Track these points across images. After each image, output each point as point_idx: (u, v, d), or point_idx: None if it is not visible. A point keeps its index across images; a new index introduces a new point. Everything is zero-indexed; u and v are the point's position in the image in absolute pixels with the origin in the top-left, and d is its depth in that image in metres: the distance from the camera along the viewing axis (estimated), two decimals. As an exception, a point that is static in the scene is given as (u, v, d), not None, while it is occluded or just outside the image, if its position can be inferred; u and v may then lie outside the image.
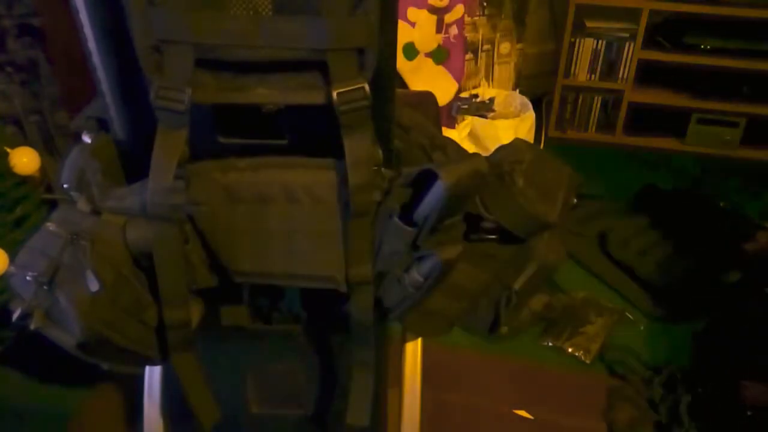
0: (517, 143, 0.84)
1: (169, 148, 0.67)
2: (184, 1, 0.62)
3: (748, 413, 1.46)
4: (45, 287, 0.68)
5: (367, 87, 0.65)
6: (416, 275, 0.75)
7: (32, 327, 0.69)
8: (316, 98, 0.66)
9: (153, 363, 0.82)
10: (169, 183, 0.67)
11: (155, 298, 0.75)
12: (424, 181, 0.71)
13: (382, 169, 0.74)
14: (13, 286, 0.71)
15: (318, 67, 0.65)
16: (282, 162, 0.74)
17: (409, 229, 0.73)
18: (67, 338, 0.70)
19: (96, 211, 0.73)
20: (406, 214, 0.73)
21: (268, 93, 0.67)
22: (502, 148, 0.84)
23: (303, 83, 0.66)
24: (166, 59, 0.63)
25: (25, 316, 0.69)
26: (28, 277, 0.68)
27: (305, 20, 0.63)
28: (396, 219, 0.73)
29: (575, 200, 0.81)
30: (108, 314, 0.70)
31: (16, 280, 0.71)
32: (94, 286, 0.68)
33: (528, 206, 0.76)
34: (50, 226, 0.72)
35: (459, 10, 2.35)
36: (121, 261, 0.71)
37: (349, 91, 0.65)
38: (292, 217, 0.75)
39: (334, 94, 0.65)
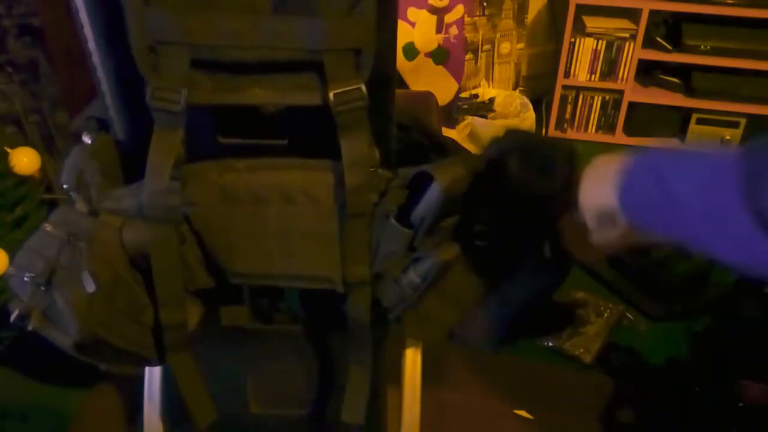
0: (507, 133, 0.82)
1: (165, 148, 0.67)
2: (180, 2, 0.62)
3: (740, 404, 1.46)
4: (42, 288, 0.68)
5: (363, 87, 0.65)
6: (413, 276, 0.75)
7: (30, 327, 0.69)
8: (313, 99, 0.66)
9: (151, 364, 0.82)
10: (165, 184, 0.67)
11: (152, 298, 0.75)
12: (421, 182, 0.71)
13: (379, 170, 0.74)
14: (12, 286, 0.71)
15: (315, 67, 0.65)
16: (279, 163, 0.74)
17: (406, 230, 0.73)
18: (64, 339, 0.70)
19: (94, 212, 0.73)
20: (403, 215, 0.73)
21: (264, 94, 0.67)
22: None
23: (299, 84, 0.66)
24: (161, 60, 0.63)
25: (24, 317, 0.69)
26: (25, 278, 0.68)
27: (302, 21, 0.63)
28: (392, 220, 0.73)
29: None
30: (105, 315, 0.70)
31: (14, 281, 0.71)
32: (90, 286, 0.68)
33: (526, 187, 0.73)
34: (48, 227, 0.72)
35: (459, 10, 2.35)
36: (118, 262, 0.71)
37: (345, 91, 0.65)
38: (288, 217, 0.75)
39: (331, 95, 0.65)
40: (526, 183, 0.71)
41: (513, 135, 0.79)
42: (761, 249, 0.49)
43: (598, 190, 0.64)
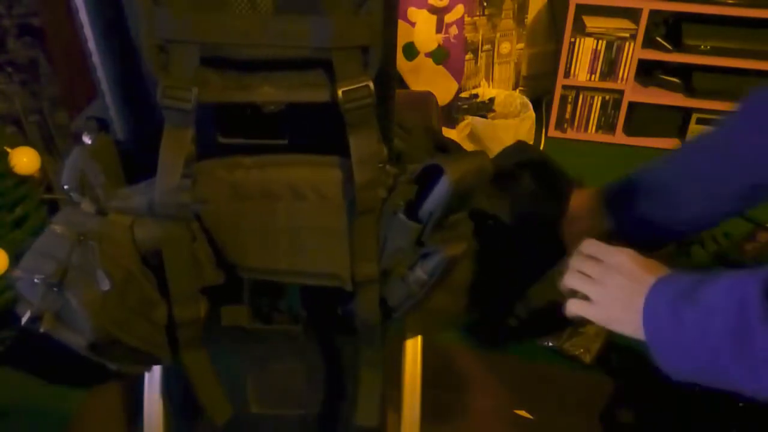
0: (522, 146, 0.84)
1: (175, 146, 0.67)
2: (189, 1, 0.62)
3: (740, 405, 1.46)
4: (54, 289, 0.68)
5: (371, 85, 0.66)
6: (421, 273, 0.75)
7: (42, 329, 0.68)
8: (321, 96, 0.66)
9: (161, 362, 0.82)
10: (177, 182, 0.67)
11: (163, 296, 0.75)
12: (429, 177, 0.72)
13: (387, 166, 0.74)
14: (20, 289, 0.70)
15: (322, 65, 0.65)
16: (288, 159, 0.74)
17: (414, 225, 0.73)
18: (77, 339, 0.69)
19: (101, 212, 0.73)
20: (411, 210, 0.73)
21: (273, 91, 0.67)
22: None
23: (308, 81, 0.66)
24: (171, 58, 0.63)
25: (35, 319, 0.68)
26: (36, 280, 0.68)
27: (310, 19, 0.63)
28: (401, 215, 0.73)
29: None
30: (118, 314, 0.70)
31: (22, 284, 0.70)
32: (105, 285, 0.68)
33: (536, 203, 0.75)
34: (56, 228, 0.71)
35: (459, 10, 2.35)
36: (129, 260, 0.71)
37: (353, 89, 0.65)
38: (298, 214, 0.75)
39: (339, 93, 0.65)
40: (536, 199, 0.73)
41: (529, 150, 0.81)
42: None
43: (623, 314, 0.67)
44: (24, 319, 0.68)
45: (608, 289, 0.68)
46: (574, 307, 0.72)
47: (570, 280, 0.72)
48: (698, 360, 0.59)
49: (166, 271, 0.73)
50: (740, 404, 1.49)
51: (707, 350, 0.57)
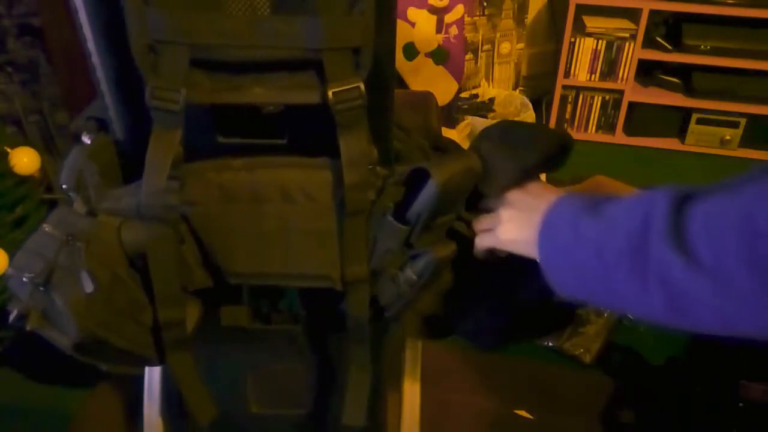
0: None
1: (163, 148, 0.67)
2: (179, 1, 0.62)
3: (740, 404, 1.46)
4: (41, 288, 0.68)
5: (362, 86, 0.65)
6: (410, 273, 0.75)
7: (28, 328, 0.69)
8: (312, 97, 0.66)
9: (151, 363, 0.82)
10: (163, 183, 0.67)
11: (151, 298, 0.75)
12: (418, 179, 0.71)
13: (377, 167, 0.74)
14: (11, 287, 0.71)
15: (314, 66, 0.65)
16: (277, 161, 0.74)
17: (402, 227, 0.73)
18: (63, 339, 0.70)
19: (92, 213, 0.73)
20: (400, 212, 0.73)
21: (263, 93, 0.67)
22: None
23: (299, 83, 0.66)
24: (161, 59, 0.63)
25: (22, 317, 0.69)
26: (24, 279, 0.68)
27: (301, 20, 0.63)
28: (389, 217, 0.73)
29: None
30: (103, 315, 0.70)
31: (13, 282, 0.71)
32: (89, 286, 0.68)
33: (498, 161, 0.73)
34: (46, 227, 0.71)
35: (459, 10, 2.35)
36: (116, 262, 0.71)
37: (344, 90, 0.65)
38: (287, 216, 0.75)
39: (330, 94, 0.65)
40: (497, 157, 0.71)
41: (497, 123, 0.79)
42: (681, 289, 0.48)
43: (522, 233, 0.65)
44: (11, 317, 0.69)
45: (510, 212, 0.67)
46: (479, 241, 0.71)
47: (479, 224, 0.72)
48: (592, 278, 0.55)
49: (151, 273, 0.72)
50: (740, 404, 1.49)
51: (603, 267, 0.53)
